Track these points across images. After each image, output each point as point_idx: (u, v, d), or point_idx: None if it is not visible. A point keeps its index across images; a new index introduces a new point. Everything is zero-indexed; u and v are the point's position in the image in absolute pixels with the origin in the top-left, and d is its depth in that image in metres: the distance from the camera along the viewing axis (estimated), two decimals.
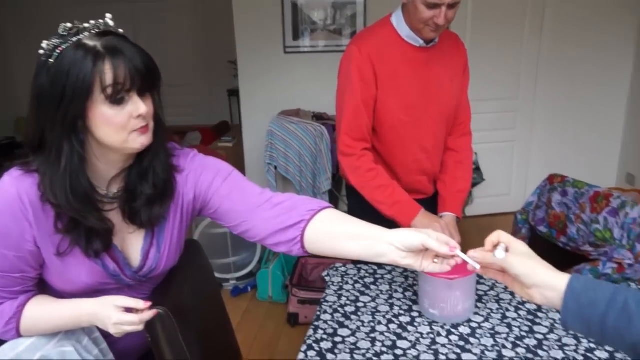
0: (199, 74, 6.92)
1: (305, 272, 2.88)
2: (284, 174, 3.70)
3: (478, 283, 1.62)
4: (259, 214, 1.08)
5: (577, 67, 4.00)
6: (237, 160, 4.35)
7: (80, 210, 0.99)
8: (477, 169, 3.83)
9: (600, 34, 3.90)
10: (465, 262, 1.44)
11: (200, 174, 1.14)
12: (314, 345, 1.32)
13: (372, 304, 1.51)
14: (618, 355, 1.24)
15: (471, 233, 4.01)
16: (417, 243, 0.92)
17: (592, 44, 3.94)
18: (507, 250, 0.91)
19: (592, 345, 1.29)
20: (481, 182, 3.88)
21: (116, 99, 0.96)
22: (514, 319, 1.42)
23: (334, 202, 3.77)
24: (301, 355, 1.27)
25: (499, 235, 0.93)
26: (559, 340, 1.32)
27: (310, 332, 1.38)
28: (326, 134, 3.52)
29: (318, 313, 1.47)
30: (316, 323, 1.42)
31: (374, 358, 1.26)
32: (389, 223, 1.58)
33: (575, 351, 1.27)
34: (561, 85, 4.04)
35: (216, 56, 6.53)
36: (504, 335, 1.35)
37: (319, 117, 3.76)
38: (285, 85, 4.26)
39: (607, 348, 1.26)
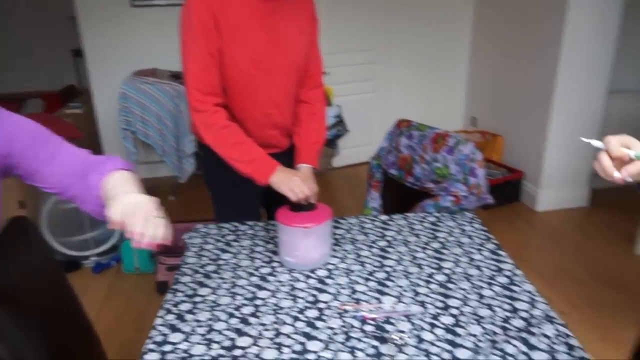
0: (36, 33, 6.10)
1: (173, 238, 2.79)
2: (144, 139, 3.49)
3: (335, 227, 1.71)
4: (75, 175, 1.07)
5: (425, 22, 4.28)
6: (89, 128, 3.98)
7: None
8: (341, 122, 3.98)
9: None
10: (321, 210, 1.51)
11: (10, 134, 1.02)
12: (172, 308, 1.29)
13: (234, 260, 1.52)
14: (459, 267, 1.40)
15: (338, 182, 4.21)
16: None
17: (435, 1, 4.24)
18: None
19: (432, 271, 1.44)
20: (345, 134, 4.04)
21: None
22: (366, 257, 1.53)
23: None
24: (158, 321, 1.24)
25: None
26: (405, 270, 1.45)
27: (169, 296, 1.34)
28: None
29: (177, 277, 1.44)
30: (175, 287, 1.39)
31: (234, 311, 1.27)
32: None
33: (418, 278, 1.41)
34: (412, 38, 4.30)
35: (54, 12, 5.79)
36: (357, 272, 1.44)
37: (176, 76, 3.56)
38: (137, 43, 3.95)
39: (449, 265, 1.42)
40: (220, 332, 1.20)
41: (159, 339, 1.18)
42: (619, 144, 0.94)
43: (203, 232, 1.69)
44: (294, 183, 1.50)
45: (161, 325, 1.22)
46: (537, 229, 3.39)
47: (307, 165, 1.65)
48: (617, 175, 0.92)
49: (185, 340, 1.17)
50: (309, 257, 1.46)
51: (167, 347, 1.15)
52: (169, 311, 1.28)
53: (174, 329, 1.21)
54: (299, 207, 1.50)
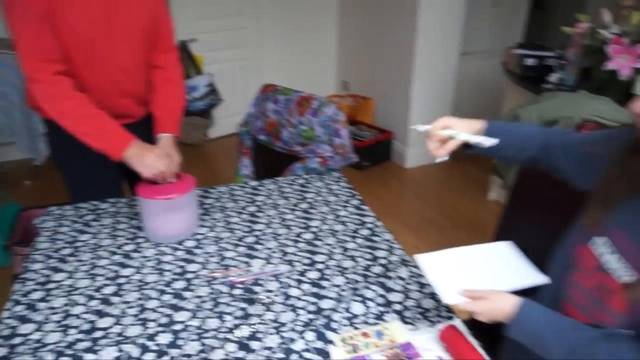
0: None
1: (29, 225, 2.54)
2: None
3: (204, 197, 1.68)
4: None
5: None
6: None
7: None
8: (214, 91, 3.87)
9: None
10: (184, 180, 1.46)
11: None
12: (21, 299, 1.18)
13: (94, 241, 1.43)
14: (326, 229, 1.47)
15: (216, 154, 4.12)
16: None
17: None
18: None
19: (300, 230, 1.49)
20: (219, 103, 3.95)
21: None
22: (236, 223, 1.53)
23: None
24: (5, 314, 1.13)
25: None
26: (274, 232, 1.48)
27: (17, 286, 1.23)
28: None
29: (26, 265, 1.32)
30: (24, 276, 1.27)
31: (94, 293, 1.21)
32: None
33: (287, 238, 1.45)
34: (282, 3, 4.27)
35: None
36: (227, 239, 1.44)
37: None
38: None
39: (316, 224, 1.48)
40: (78, 317, 1.13)
41: (7, 332, 1.08)
42: (441, 126, 1.10)
43: (57, 215, 1.56)
44: (148, 159, 1.42)
45: (8, 318, 1.12)
46: (406, 184, 3.65)
47: (167, 135, 1.58)
48: (440, 154, 1.09)
49: (38, 330, 1.09)
50: (174, 229, 1.43)
51: (17, 340, 1.06)
52: (17, 302, 1.17)
53: (24, 319, 1.12)
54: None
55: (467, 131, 1.08)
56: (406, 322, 1.11)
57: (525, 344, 0.89)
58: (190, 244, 1.42)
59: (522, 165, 1.14)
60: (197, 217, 1.51)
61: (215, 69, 3.94)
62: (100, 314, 1.14)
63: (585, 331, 0.82)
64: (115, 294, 1.21)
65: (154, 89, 1.64)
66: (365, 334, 1.07)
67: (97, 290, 1.22)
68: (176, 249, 1.39)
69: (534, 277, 1.05)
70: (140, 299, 1.19)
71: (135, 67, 1.57)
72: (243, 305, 1.17)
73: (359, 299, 1.19)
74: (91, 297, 1.19)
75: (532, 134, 1.11)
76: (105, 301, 1.18)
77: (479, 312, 0.93)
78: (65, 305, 1.16)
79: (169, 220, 1.41)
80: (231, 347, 1.04)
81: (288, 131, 1.92)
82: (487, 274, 1.10)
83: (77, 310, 1.15)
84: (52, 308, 1.15)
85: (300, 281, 1.26)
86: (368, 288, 1.23)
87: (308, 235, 1.47)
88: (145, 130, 1.60)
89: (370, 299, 1.19)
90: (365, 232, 1.49)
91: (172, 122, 1.63)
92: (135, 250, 1.38)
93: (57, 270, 1.29)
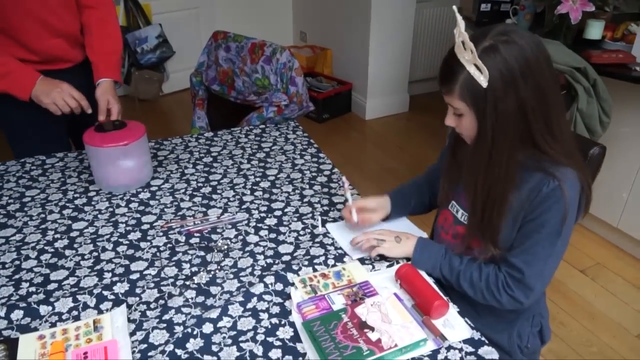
0: None
1: None
2: None
3: (158, 150, 1.65)
4: None
5: None
6: None
7: None
8: (165, 42, 3.72)
9: None
10: (131, 128, 1.43)
11: None
12: None
13: (42, 196, 1.39)
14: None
15: (173, 108, 4.02)
16: None
17: None
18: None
19: (257, 179, 1.49)
20: (172, 55, 3.81)
21: None
22: (191, 174, 1.51)
23: None
24: None
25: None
26: (231, 182, 1.48)
27: None
28: None
29: None
30: None
31: (46, 247, 1.19)
32: None
33: (244, 187, 1.45)
34: None
35: None
36: (182, 190, 1.43)
37: None
38: None
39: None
40: (30, 271, 1.11)
41: None
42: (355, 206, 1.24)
43: (1, 170, 1.50)
44: (56, 94, 1.36)
45: None
46: (366, 135, 3.68)
47: (107, 80, 1.51)
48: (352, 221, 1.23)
49: None
50: (125, 177, 1.40)
51: None
52: None
53: None
54: (105, 127, 1.40)
55: (373, 204, 1.26)
56: (365, 264, 1.15)
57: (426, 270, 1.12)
58: (144, 195, 1.40)
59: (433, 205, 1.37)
60: (150, 166, 1.48)
61: (164, 19, 3.78)
62: (54, 267, 1.12)
63: (465, 259, 1.08)
64: (68, 247, 1.19)
65: (88, 30, 1.55)
66: (324, 275, 1.10)
67: (49, 244, 1.20)
68: (130, 201, 1.37)
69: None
70: (94, 251, 1.18)
71: (61, 3, 1.46)
72: (201, 253, 1.18)
73: (318, 244, 1.22)
74: (43, 251, 1.17)
75: (420, 185, 1.35)
76: (58, 254, 1.16)
77: (387, 252, 1.14)
78: (15, 260, 1.14)
79: (120, 168, 1.38)
80: (190, 293, 1.05)
81: (242, 80, 1.88)
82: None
83: (28, 264, 1.13)
84: (2, 263, 1.13)
85: (258, 228, 1.27)
86: (326, 235, 1.26)
87: (265, 184, 1.47)
88: (84, 77, 1.53)
89: (330, 244, 1.22)
90: (322, 179, 1.51)
91: (110, 66, 1.55)
92: (87, 204, 1.35)
93: (5, 226, 1.26)
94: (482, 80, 0.90)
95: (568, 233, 0.98)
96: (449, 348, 0.92)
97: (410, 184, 1.35)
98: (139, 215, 1.31)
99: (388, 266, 1.14)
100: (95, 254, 1.17)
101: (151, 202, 1.37)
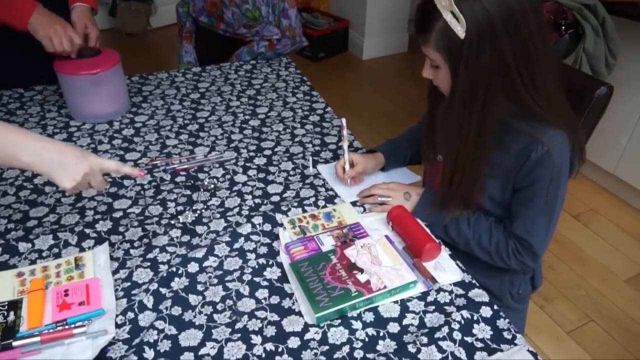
0: None
1: None
2: None
3: (143, 84, 1.58)
4: None
5: None
6: None
7: None
8: None
9: None
10: (106, 55, 1.35)
11: None
12: None
13: None
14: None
15: (160, 43, 3.87)
16: None
17: None
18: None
19: (246, 117, 1.43)
20: None
21: None
22: (178, 111, 1.46)
23: None
24: None
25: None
26: (219, 120, 1.42)
27: None
28: None
29: None
30: None
31: (25, 183, 1.15)
32: None
33: (233, 126, 1.40)
34: None
35: None
36: (168, 127, 1.38)
37: None
38: None
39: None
40: (8, 207, 1.08)
41: None
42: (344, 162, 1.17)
43: None
44: (54, 31, 1.28)
45: None
46: (363, 76, 3.58)
47: (81, 4, 1.41)
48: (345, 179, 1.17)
49: None
50: (101, 107, 1.34)
51: None
52: None
53: None
54: (82, 52, 1.32)
55: (365, 166, 1.19)
56: (356, 206, 1.12)
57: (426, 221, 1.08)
58: (128, 132, 1.35)
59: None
60: (127, 98, 1.42)
61: None
62: (33, 203, 1.09)
63: (472, 219, 1.03)
64: (48, 183, 1.15)
65: None
66: (314, 217, 1.08)
67: (28, 180, 1.16)
68: (113, 138, 1.32)
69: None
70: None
71: None
72: (186, 192, 1.14)
73: (308, 185, 1.19)
74: (22, 188, 1.13)
75: (415, 135, 1.27)
76: (38, 191, 1.13)
77: (393, 202, 1.09)
78: None
79: (92, 98, 1.32)
80: (175, 232, 1.02)
81: (231, 11, 1.77)
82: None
83: (6, 200, 1.09)
84: None
85: (246, 168, 1.23)
86: (317, 176, 1.22)
87: (255, 122, 1.42)
88: (61, 6, 1.43)
89: (321, 186, 1.19)
90: (315, 118, 1.45)
91: None
92: (67, 140, 1.30)
93: None
94: (459, 30, 0.82)
95: (563, 193, 0.95)
96: (439, 290, 0.91)
97: (405, 135, 1.30)
98: (122, 152, 1.27)
99: (381, 211, 1.11)
100: (76, 191, 1.13)
101: (135, 139, 1.32)
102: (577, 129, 0.96)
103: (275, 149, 1.31)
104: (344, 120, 1.15)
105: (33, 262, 0.94)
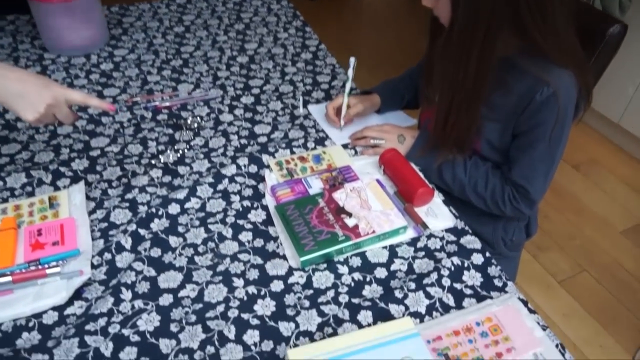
0: None
1: None
2: None
3: (123, 16, 1.50)
4: None
5: None
6: None
7: None
8: None
9: None
10: None
11: None
12: None
13: None
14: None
15: None
16: None
17: None
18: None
19: (234, 54, 1.37)
20: None
21: None
22: (160, 45, 1.39)
23: None
24: None
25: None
26: (205, 55, 1.36)
27: None
28: None
29: None
30: None
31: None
32: None
33: (219, 62, 1.34)
34: None
35: None
36: (150, 62, 1.31)
37: None
38: None
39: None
40: None
41: None
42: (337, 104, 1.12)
43: None
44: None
45: None
46: (362, 15, 3.45)
47: None
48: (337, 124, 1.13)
49: None
50: (77, 39, 1.28)
51: None
52: None
53: None
54: None
55: (360, 105, 1.13)
56: (347, 148, 1.09)
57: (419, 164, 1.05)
58: (106, 66, 1.29)
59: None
60: (105, 29, 1.35)
61: None
62: (4, 139, 1.05)
63: (468, 163, 1.00)
64: (20, 119, 1.10)
65: None
66: (302, 159, 1.04)
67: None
68: (90, 72, 1.26)
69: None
70: (49, 124, 1.09)
71: None
72: (168, 131, 1.10)
73: (297, 126, 1.15)
74: None
75: (414, 78, 1.21)
76: (10, 127, 1.08)
77: (386, 145, 1.05)
78: None
79: (70, 27, 1.25)
80: (156, 172, 0.99)
81: None
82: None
83: None
84: None
85: (233, 107, 1.18)
86: (308, 117, 1.18)
87: (243, 59, 1.36)
88: None
89: (311, 127, 1.14)
90: (307, 56, 1.39)
91: None
92: (41, 73, 1.24)
93: None
94: None
95: (566, 138, 0.91)
96: (429, 236, 0.89)
97: (403, 76, 1.24)
98: (100, 88, 1.21)
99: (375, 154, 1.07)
100: (51, 127, 1.08)
101: (114, 74, 1.26)
102: (585, 70, 0.90)
103: (264, 88, 1.25)
104: (352, 60, 1.08)
105: (5, 200, 0.91)
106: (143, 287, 0.78)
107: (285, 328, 0.74)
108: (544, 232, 1.94)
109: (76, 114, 0.89)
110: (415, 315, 0.76)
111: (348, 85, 1.08)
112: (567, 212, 2.04)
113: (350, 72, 1.07)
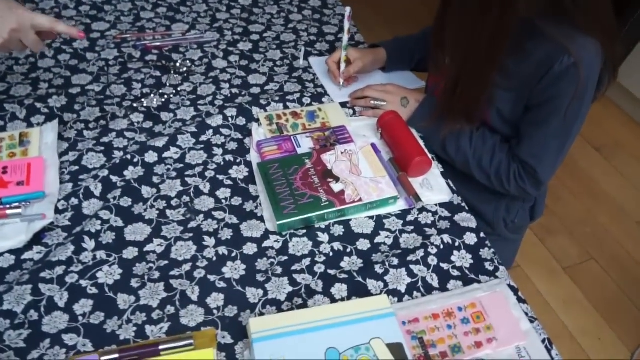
0: None
1: None
2: None
3: None
4: None
5: None
6: None
7: None
8: None
9: None
10: None
11: None
12: None
13: None
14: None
15: None
16: None
17: None
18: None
19: (239, 2, 1.29)
20: None
21: None
22: None
23: None
24: None
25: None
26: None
27: None
28: None
29: None
30: None
31: None
32: None
33: (220, 2, 1.26)
34: None
35: None
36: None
37: None
38: None
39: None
40: None
41: None
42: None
43: None
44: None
45: None
46: None
47: None
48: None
49: None
50: None
51: None
52: None
53: None
54: None
55: (362, 59, 1.06)
56: (345, 107, 1.02)
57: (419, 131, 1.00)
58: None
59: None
60: None
61: None
62: None
63: (474, 136, 0.93)
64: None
65: None
66: (295, 114, 0.98)
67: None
68: (80, 3, 1.20)
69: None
70: (30, 56, 1.04)
71: None
72: (156, 73, 1.04)
73: (295, 79, 1.08)
74: None
75: (419, 39, 1.14)
76: None
77: (388, 107, 0.99)
78: None
79: None
80: (137, 116, 0.94)
81: None
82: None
83: None
84: None
85: (228, 52, 1.12)
86: (308, 70, 1.11)
87: (245, 1, 1.28)
88: None
89: (310, 81, 1.08)
90: (315, 3, 1.31)
91: None
92: (28, 1, 1.18)
93: None
94: None
95: (584, 116, 0.84)
96: (421, 210, 0.84)
97: (417, 34, 1.15)
98: (88, 21, 1.15)
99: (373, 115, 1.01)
100: (32, 59, 1.04)
101: (105, 7, 1.20)
102: (614, 39, 0.82)
103: (264, 35, 1.18)
104: (348, 10, 1.00)
105: None
106: (108, 237, 0.74)
107: (252, 294, 0.70)
108: (554, 214, 1.88)
109: (43, 42, 0.83)
110: (394, 293, 0.72)
111: (345, 39, 1.00)
112: (582, 196, 1.96)
113: (346, 23, 0.99)
